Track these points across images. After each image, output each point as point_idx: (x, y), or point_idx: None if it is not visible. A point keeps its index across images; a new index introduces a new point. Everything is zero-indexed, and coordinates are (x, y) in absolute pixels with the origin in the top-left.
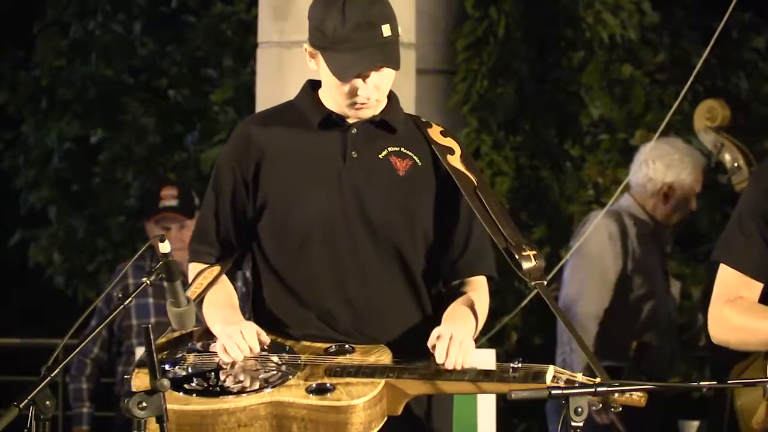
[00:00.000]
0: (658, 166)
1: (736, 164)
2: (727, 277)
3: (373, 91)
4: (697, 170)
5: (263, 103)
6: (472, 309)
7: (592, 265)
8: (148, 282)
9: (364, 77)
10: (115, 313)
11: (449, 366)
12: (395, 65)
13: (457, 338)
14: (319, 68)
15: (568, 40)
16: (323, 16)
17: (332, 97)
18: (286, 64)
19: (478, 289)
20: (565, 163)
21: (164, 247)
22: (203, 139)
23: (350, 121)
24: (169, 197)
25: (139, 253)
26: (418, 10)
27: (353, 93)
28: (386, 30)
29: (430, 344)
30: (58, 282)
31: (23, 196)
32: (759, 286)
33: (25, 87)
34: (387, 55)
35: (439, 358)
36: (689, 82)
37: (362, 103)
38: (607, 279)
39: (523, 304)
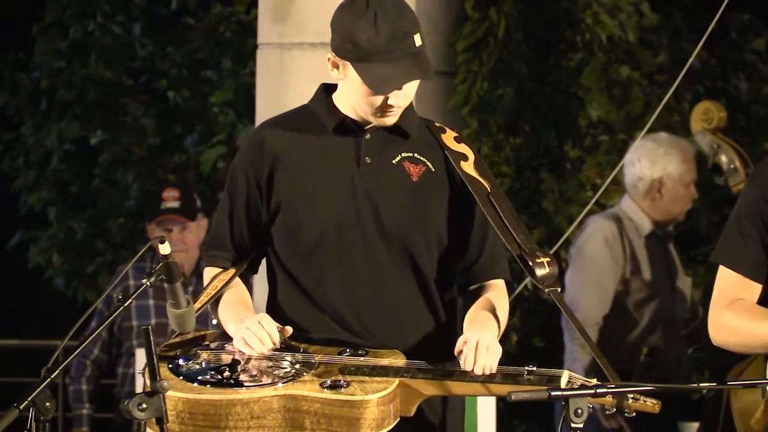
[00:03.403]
0: (644, 164)
1: (732, 166)
2: (726, 279)
3: (403, 99)
4: (686, 159)
5: (263, 105)
6: (493, 312)
7: (588, 271)
8: (148, 283)
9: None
10: (116, 314)
11: (478, 372)
12: (430, 76)
13: (484, 343)
14: (345, 78)
15: (567, 41)
16: (354, 27)
17: (358, 105)
18: (286, 66)
19: (497, 292)
20: (564, 164)
21: (164, 249)
22: (203, 141)
23: (366, 126)
24: (170, 199)
25: (139, 255)
26: (418, 11)
27: (384, 102)
28: (417, 39)
29: (456, 351)
30: (57, 283)
31: (23, 198)
32: (758, 287)
33: (25, 88)
34: (422, 66)
35: (468, 365)
36: (677, 81)
37: (390, 111)
38: (605, 285)
39: (512, 296)
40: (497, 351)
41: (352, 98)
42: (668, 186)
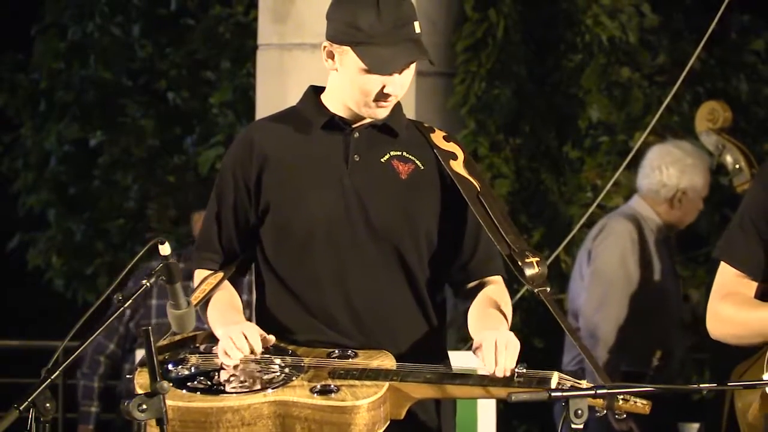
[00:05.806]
0: (672, 172)
1: (737, 166)
2: (725, 275)
3: (399, 89)
4: (707, 172)
5: (263, 105)
6: (499, 309)
7: (614, 271)
8: (148, 284)
9: (398, 72)
10: (114, 316)
11: (499, 374)
12: (430, 58)
13: (502, 343)
14: (340, 65)
15: (567, 42)
16: (356, 13)
17: (353, 96)
18: (286, 66)
19: (499, 288)
20: (564, 165)
21: (164, 250)
22: (202, 141)
23: (354, 124)
24: None
25: (140, 255)
26: (418, 12)
27: (381, 89)
28: (417, 27)
29: (474, 350)
30: (57, 285)
31: (22, 199)
32: (755, 285)
33: (24, 90)
34: (421, 49)
35: (489, 366)
36: (678, 83)
37: (385, 101)
38: (631, 285)
39: (514, 299)
40: (516, 346)
41: (347, 88)
42: (690, 197)
